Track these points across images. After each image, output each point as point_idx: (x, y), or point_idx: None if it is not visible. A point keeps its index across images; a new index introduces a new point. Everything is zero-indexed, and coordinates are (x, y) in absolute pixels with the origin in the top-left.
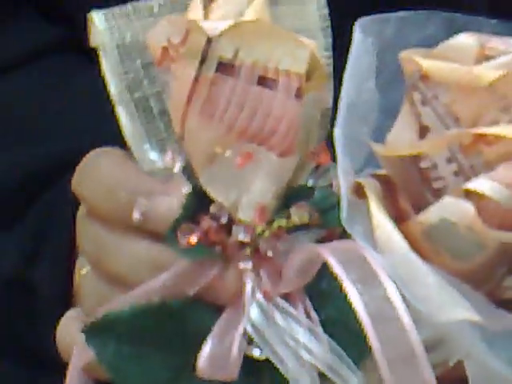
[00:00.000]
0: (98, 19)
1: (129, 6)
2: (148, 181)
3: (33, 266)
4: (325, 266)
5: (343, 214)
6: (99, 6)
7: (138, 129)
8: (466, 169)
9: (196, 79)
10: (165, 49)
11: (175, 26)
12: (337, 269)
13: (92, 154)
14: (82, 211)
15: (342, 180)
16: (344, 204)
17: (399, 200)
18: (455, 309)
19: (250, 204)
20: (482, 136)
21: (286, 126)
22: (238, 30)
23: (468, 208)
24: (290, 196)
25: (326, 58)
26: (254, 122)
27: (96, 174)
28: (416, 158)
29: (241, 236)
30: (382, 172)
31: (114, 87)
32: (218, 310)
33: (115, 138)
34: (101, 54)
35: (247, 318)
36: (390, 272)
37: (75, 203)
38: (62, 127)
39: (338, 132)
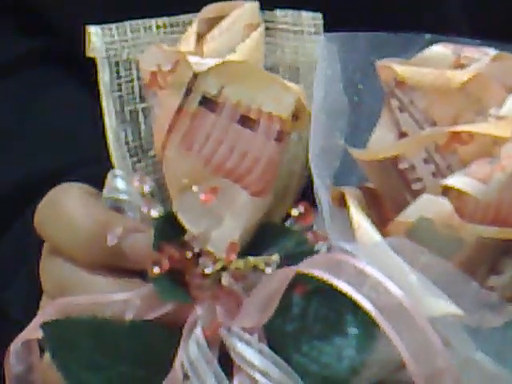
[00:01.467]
0: (94, 33)
1: (126, 24)
2: (114, 218)
3: (6, 288)
4: (289, 308)
5: (326, 222)
6: (79, 16)
7: (122, 145)
8: (443, 169)
9: (179, 110)
10: (154, 74)
11: (166, 54)
12: (324, 276)
13: (54, 190)
14: (45, 249)
15: (321, 189)
16: (325, 211)
17: (385, 210)
18: (437, 304)
19: (220, 238)
20: (456, 136)
21: (263, 167)
22: (225, 68)
23: (444, 204)
24: (264, 235)
25: None
26: (231, 160)
27: (59, 212)
28: (394, 161)
29: (207, 269)
30: (367, 184)
31: (105, 100)
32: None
33: (94, 151)
34: (97, 65)
35: (184, 351)
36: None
37: None
38: (40, 143)
39: (311, 142)
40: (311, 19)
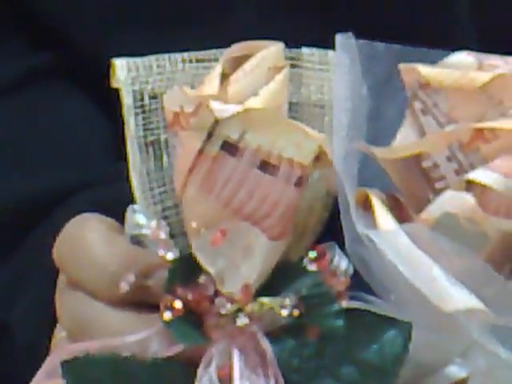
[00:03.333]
0: (119, 67)
1: (152, 58)
2: (138, 255)
3: (10, 307)
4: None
5: (352, 213)
6: (90, 30)
7: (144, 177)
8: (466, 167)
9: (200, 152)
10: (176, 115)
11: (189, 96)
12: None
13: (74, 223)
14: (61, 281)
15: (348, 188)
16: (352, 207)
17: (406, 216)
18: (460, 298)
19: (235, 279)
20: (479, 133)
21: (281, 211)
22: (247, 114)
23: (468, 199)
24: (281, 275)
25: None
26: (250, 204)
27: (82, 249)
28: (417, 159)
29: (223, 310)
30: (385, 191)
31: (128, 131)
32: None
33: (103, 167)
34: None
35: None
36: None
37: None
38: (49, 159)
39: (334, 145)
40: None
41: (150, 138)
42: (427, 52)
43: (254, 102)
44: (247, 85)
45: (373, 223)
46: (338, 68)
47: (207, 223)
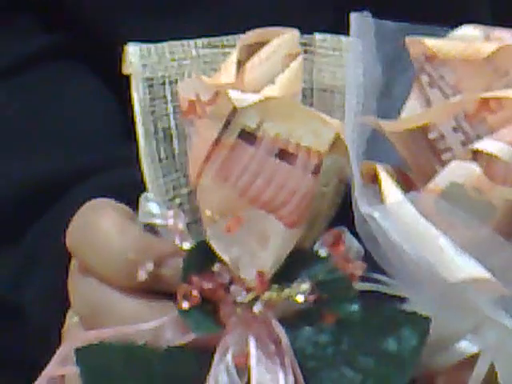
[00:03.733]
0: (132, 52)
1: (165, 44)
2: (151, 243)
3: (23, 289)
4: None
5: (356, 192)
6: (102, 11)
7: (156, 164)
8: (472, 138)
9: (217, 140)
10: (192, 103)
11: (206, 84)
12: None
13: (88, 209)
14: (74, 267)
15: (354, 160)
16: (356, 181)
17: (414, 189)
18: (467, 269)
19: (250, 266)
20: (485, 104)
21: (298, 199)
22: (265, 103)
23: (474, 168)
24: (295, 262)
25: None
26: (267, 192)
27: (96, 235)
28: (424, 130)
29: (239, 298)
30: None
31: (138, 118)
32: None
33: (116, 149)
34: (131, 83)
35: (214, 378)
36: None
37: None
38: (62, 140)
39: (346, 118)
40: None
41: (161, 125)
42: (437, 29)
43: (271, 91)
44: (263, 73)
45: (381, 198)
46: (352, 47)
47: (222, 211)
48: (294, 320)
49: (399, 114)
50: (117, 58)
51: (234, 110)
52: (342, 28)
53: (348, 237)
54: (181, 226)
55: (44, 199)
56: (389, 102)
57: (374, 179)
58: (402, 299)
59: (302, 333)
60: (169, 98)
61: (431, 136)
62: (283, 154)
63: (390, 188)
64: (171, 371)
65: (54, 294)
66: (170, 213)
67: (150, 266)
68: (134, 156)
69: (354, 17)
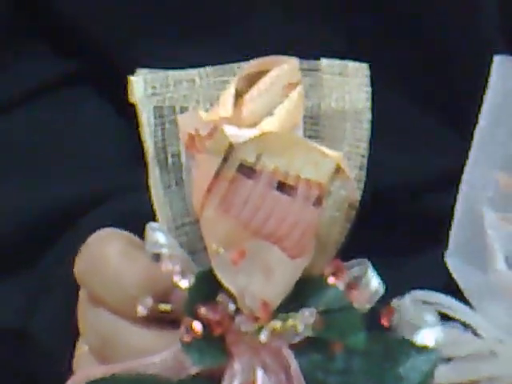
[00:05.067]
0: (137, 84)
1: (169, 75)
2: (158, 274)
3: (33, 316)
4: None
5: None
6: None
7: (163, 194)
8: None
9: (217, 174)
10: (191, 137)
11: (203, 120)
12: None
13: (95, 240)
14: (83, 296)
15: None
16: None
17: None
18: None
19: (256, 296)
20: None
21: (301, 231)
22: (263, 137)
23: None
24: (303, 289)
25: (362, 150)
26: (269, 225)
27: (103, 266)
28: None
29: (243, 327)
30: None
31: (148, 146)
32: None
33: (126, 175)
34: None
35: None
36: None
37: None
38: (74, 167)
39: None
40: (358, 70)
41: (169, 153)
42: None
43: (269, 123)
44: (262, 104)
45: None
46: (493, 92)
47: (227, 243)
48: (303, 346)
49: None
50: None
51: (232, 144)
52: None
53: (370, 270)
54: (177, 268)
55: (56, 227)
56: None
57: None
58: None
59: (311, 359)
60: (176, 125)
61: None
62: (283, 187)
63: None
64: None
65: (63, 323)
66: (166, 253)
67: (148, 301)
68: (143, 182)
69: (497, 60)
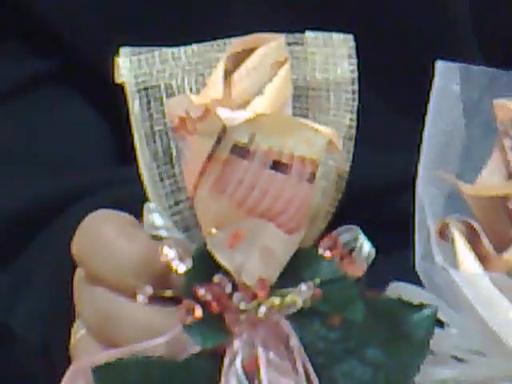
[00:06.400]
0: (122, 65)
1: (156, 53)
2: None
3: (12, 313)
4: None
5: (433, 247)
6: (92, 36)
7: (154, 173)
8: None
9: (210, 156)
10: (182, 119)
11: (195, 102)
12: None
13: (93, 219)
14: (79, 275)
15: (431, 216)
16: (432, 239)
17: (481, 245)
18: None
19: (252, 272)
20: None
21: (296, 207)
22: (256, 118)
23: None
24: (297, 262)
25: (349, 121)
26: (264, 202)
27: (102, 243)
28: (504, 199)
29: (242, 305)
30: (464, 218)
31: (135, 123)
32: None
33: (108, 171)
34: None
35: None
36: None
37: (64, 250)
38: (55, 163)
39: (422, 174)
40: (343, 41)
41: (157, 128)
42: None
43: (260, 102)
44: (251, 83)
45: (450, 253)
46: (436, 97)
47: (221, 223)
48: (301, 317)
49: (475, 161)
50: (107, 81)
51: (225, 126)
52: None
53: (360, 236)
54: (175, 253)
55: (36, 223)
56: (466, 145)
57: (443, 233)
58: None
59: (310, 329)
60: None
61: (511, 205)
62: (277, 165)
63: (466, 256)
64: (191, 381)
65: (44, 316)
66: (165, 248)
67: (149, 290)
68: (128, 177)
69: (439, 65)
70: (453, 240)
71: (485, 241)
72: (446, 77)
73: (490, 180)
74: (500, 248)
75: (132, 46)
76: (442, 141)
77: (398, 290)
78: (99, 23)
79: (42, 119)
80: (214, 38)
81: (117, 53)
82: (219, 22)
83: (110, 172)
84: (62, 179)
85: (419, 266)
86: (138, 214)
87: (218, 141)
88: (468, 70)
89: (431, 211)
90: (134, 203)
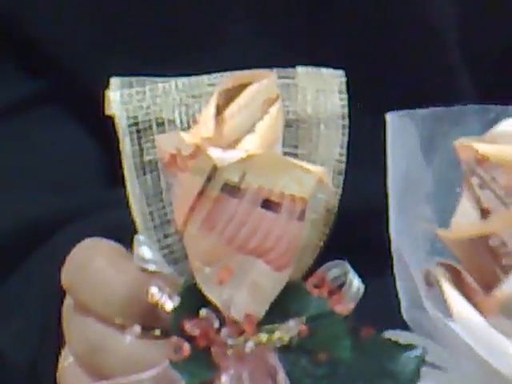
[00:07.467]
0: (113, 99)
1: (146, 88)
2: (148, 279)
3: (2, 333)
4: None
5: (423, 296)
6: (81, 55)
7: (144, 206)
8: None
9: (200, 193)
10: (173, 156)
11: (186, 140)
12: None
13: (82, 248)
14: (69, 303)
15: (413, 267)
16: (420, 288)
17: (467, 286)
18: None
19: (241, 307)
20: None
21: (286, 244)
22: (247, 159)
23: None
24: (285, 297)
25: (338, 156)
26: (254, 240)
27: (92, 273)
28: (484, 238)
29: (230, 340)
30: (445, 261)
31: (124, 154)
32: None
33: (99, 193)
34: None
35: None
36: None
37: (53, 273)
38: (46, 185)
39: (394, 223)
40: (333, 76)
41: (148, 161)
42: (467, 111)
43: (251, 140)
44: (242, 120)
45: (438, 299)
46: (392, 149)
47: (210, 259)
48: (289, 353)
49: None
50: (99, 103)
51: (216, 165)
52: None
53: (350, 271)
54: (159, 295)
55: (29, 243)
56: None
57: (427, 279)
58: None
59: (297, 365)
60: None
61: (492, 243)
62: (267, 203)
63: (458, 301)
64: None
65: (32, 338)
66: (153, 288)
67: (137, 329)
68: (122, 198)
69: (388, 118)
70: (439, 285)
71: (470, 281)
72: (398, 127)
73: (464, 221)
74: (487, 287)
75: (125, 69)
76: (404, 186)
77: (393, 336)
78: (92, 44)
79: (33, 140)
80: (208, 64)
81: (107, 83)
82: (215, 46)
83: (100, 193)
84: (52, 201)
85: (406, 314)
86: (128, 237)
87: (209, 179)
88: (415, 115)
89: (411, 260)
90: (124, 227)
